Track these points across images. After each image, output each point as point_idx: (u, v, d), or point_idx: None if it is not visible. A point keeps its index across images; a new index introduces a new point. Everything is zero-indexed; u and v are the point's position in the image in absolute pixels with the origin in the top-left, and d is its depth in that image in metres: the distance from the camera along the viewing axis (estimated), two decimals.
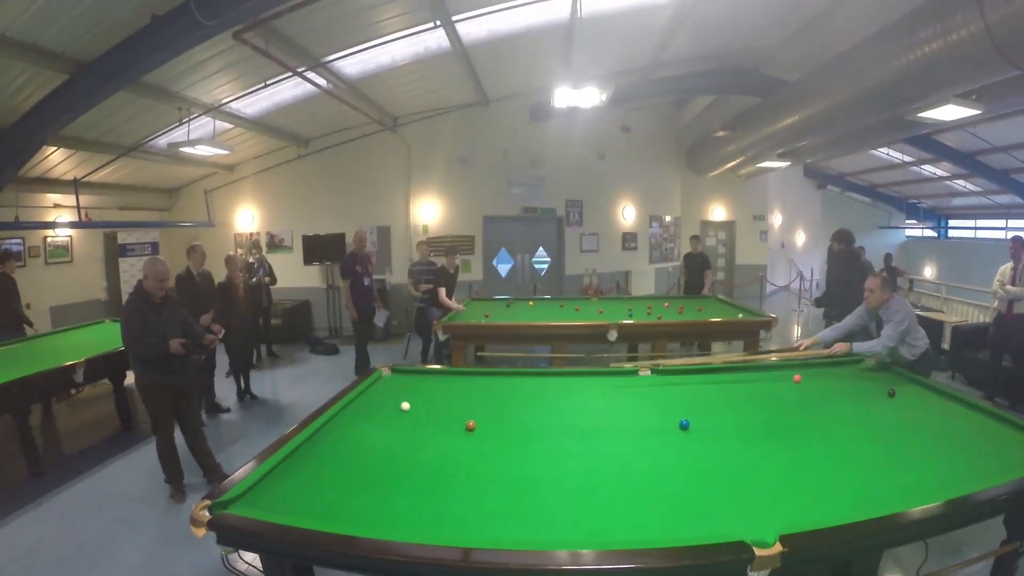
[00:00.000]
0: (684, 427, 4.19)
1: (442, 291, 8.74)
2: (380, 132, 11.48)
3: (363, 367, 8.35)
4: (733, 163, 14.23)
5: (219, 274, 7.47)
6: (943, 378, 5.95)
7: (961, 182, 17.30)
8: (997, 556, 3.79)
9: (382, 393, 4.78)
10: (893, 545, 3.45)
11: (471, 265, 12.45)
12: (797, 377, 5.38)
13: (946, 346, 9.32)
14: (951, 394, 4.86)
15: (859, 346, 5.43)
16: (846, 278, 7.19)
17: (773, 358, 5.82)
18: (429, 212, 12.23)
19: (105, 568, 4.01)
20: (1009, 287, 7.47)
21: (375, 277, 9.73)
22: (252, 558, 3.00)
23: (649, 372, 5.61)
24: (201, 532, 2.65)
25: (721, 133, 12.79)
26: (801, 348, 5.72)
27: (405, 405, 4.27)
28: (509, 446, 3.84)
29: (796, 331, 12.78)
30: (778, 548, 2.61)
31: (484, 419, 4.20)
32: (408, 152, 11.89)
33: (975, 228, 19.81)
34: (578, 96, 7.59)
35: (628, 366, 5.76)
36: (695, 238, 12.10)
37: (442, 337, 7.56)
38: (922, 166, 16.75)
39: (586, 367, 5.98)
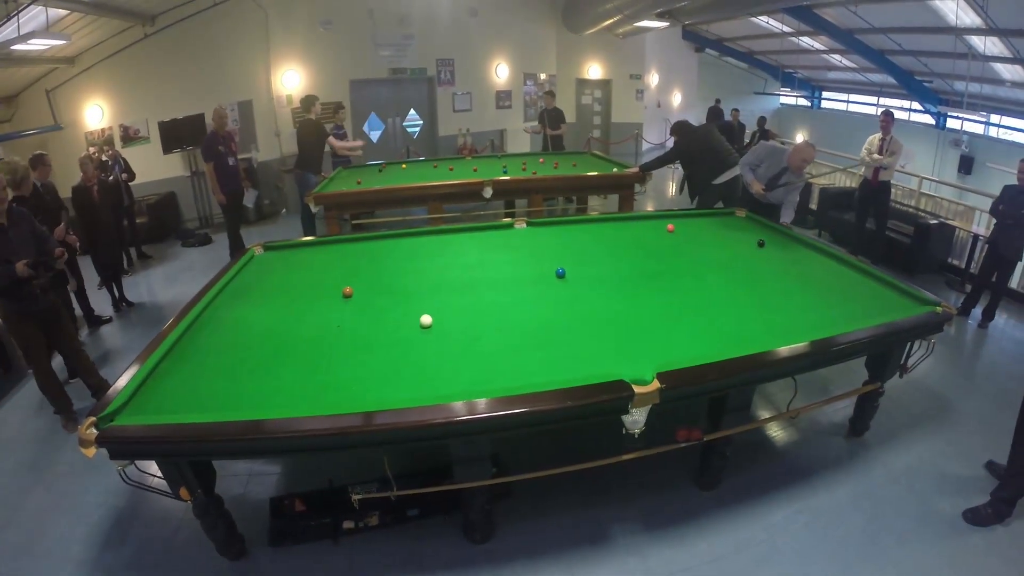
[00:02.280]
0: (560, 275, 4.39)
1: (333, 141, 8.66)
2: None
3: (237, 252, 7.89)
4: (610, 21, 14.09)
5: (75, 180, 6.80)
6: (810, 235, 6.28)
7: (837, 57, 17.82)
8: (859, 395, 4.14)
9: (256, 272, 4.69)
10: (763, 380, 3.74)
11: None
12: (670, 227, 5.71)
13: (814, 207, 9.85)
14: (818, 247, 5.20)
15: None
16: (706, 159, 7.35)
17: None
18: (292, 81, 11.58)
19: (19, 518, 3.78)
20: (876, 155, 8.08)
21: (241, 156, 9.25)
22: (153, 466, 2.94)
23: (524, 224, 5.57)
24: (91, 452, 2.55)
25: None
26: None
27: (348, 290, 4.14)
28: (389, 308, 3.91)
29: (671, 187, 13.20)
30: (656, 385, 2.83)
31: (362, 285, 4.25)
32: (265, 18, 11.05)
33: (847, 102, 20.56)
34: None
35: (504, 220, 5.71)
36: (549, 93, 12.34)
37: (314, 209, 7.27)
38: (800, 37, 17.08)
39: (463, 224, 5.87)
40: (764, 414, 4.57)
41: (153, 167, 10.17)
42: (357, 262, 4.87)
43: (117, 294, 7.16)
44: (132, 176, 8.96)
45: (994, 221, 6.59)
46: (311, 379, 3.01)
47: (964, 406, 4.83)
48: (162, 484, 2.94)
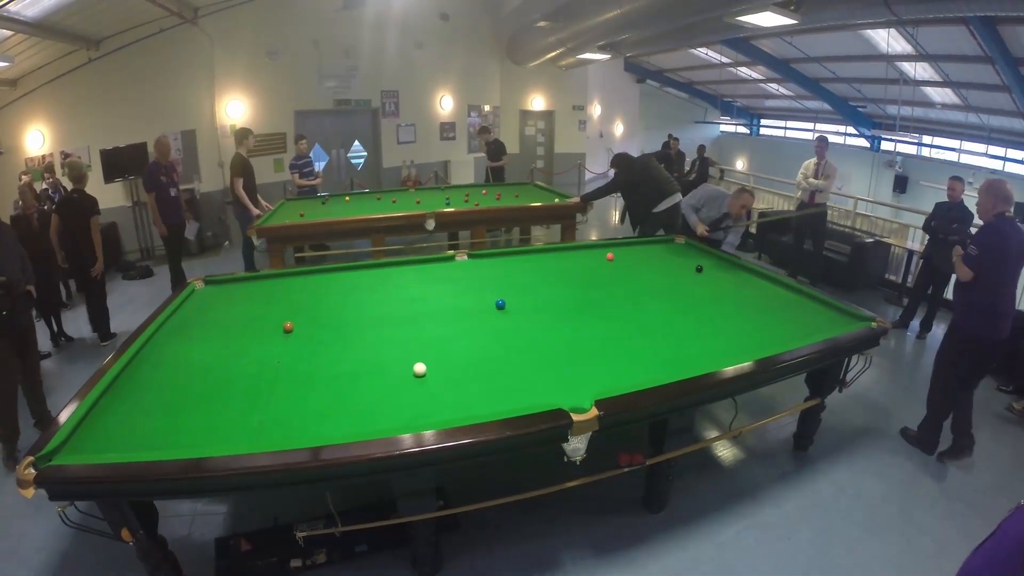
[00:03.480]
0: (500, 307, 4.37)
1: (238, 182, 8.21)
2: (180, 26, 10.41)
3: (178, 285, 7.72)
4: (554, 54, 14.28)
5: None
6: (749, 258, 6.45)
7: (775, 86, 18.39)
8: (801, 411, 4.20)
9: (197, 307, 4.59)
10: (702, 403, 3.77)
11: (283, 164, 11.78)
12: (610, 255, 5.76)
13: (753, 230, 10.02)
14: (757, 270, 5.29)
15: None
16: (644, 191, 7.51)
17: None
18: (237, 111, 11.45)
19: None
20: (812, 179, 8.34)
21: (183, 187, 9.10)
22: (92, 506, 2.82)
23: (466, 257, 5.60)
24: (30, 492, 2.43)
25: (543, 23, 12.76)
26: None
27: (288, 325, 4.06)
28: (329, 342, 3.86)
29: (614, 216, 13.30)
30: (594, 412, 2.84)
31: (304, 319, 4.19)
32: (211, 46, 10.94)
33: (785, 128, 21.17)
34: None
35: (445, 253, 5.73)
36: (483, 129, 12.61)
37: (256, 242, 7.13)
38: (739, 68, 17.61)
39: (404, 257, 5.86)
40: (708, 434, 4.60)
41: (94, 195, 9.90)
42: (299, 296, 4.80)
43: (56, 328, 6.91)
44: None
45: (927, 237, 6.84)
46: (252, 415, 2.95)
47: (905, 415, 4.93)
48: (102, 525, 2.83)
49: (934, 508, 3.87)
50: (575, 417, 2.76)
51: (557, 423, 2.75)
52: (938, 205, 6.72)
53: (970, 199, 5.33)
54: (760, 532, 3.63)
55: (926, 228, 6.89)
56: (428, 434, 2.64)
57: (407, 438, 2.61)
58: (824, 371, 4.02)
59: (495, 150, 12.01)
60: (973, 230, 6.02)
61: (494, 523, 3.61)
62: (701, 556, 3.44)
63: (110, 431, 2.81)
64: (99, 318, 6.95)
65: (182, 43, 10.50)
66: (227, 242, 11.21)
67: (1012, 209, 4.20)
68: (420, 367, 3.30)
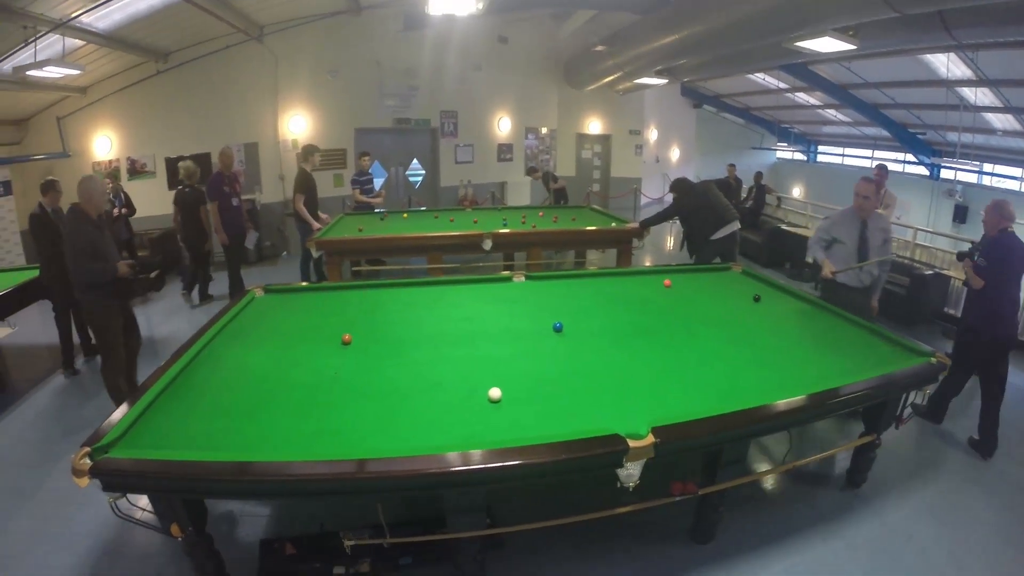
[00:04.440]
0: (557, 329, 4.39)
1: (300, 198, 8.48)
2: (245, 43, 10.81)
3: (236, 292, 7.98)
4: (610, 78, 14.36)
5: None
6: (808, 288, 6.39)
7: (832, 111, 18.14)
8: (856, 447, 4.15)
9: (256, 314, 4.72)
10: (756, 435, 3.73)
11: (343, 179, 12.07)
12: (667, 282, 5.73)
13: (811, 259, 9.86)
14: (813, 301, 5.22)
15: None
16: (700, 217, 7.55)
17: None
18: (299, 126, 11.80)
19: (1, 542, 3.76)
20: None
21: (244, 197, 9.45)
22: (144, 501, 2.88)
23: (524, 278, 5.64)
24: (84, 481, 2.53)
25: (600, 48, 12.88)
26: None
27: (347, 337, 4.16)
28: (386, 357, 3.91)
29: (669, 241, 13.32)
30: (651, 439, 2.83)
31: (360, 332, 4.25)
32: (275, 64, 11.32)
33: (843, 155, 20.85)
34: (453, 3, 7.52)
35: (502, 274, 5.81)
36: (532, 169, 12.78)
37: (315, 254, 7.34)
38: (796, 93, 17.45)
39: (462, 276, 5.95)
40: (761, 467, 4.56)
41: (158, 202, 10.23)
42: (355, 309, 4.89)
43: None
44: (132, 210, 9.09)
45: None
46: (306, 424, 3.01)
47: (959, 455, 4.84)
48: (151, 519, 2.94)
49: (986, 553, 3.76)
50: (631, 443, 2.76)
51: (613, 448, 2.75)
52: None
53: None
54: (806, 570, 3.58)
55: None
56: (482, 453, 2.67)
57: (459, 456, 2.64)
58: (880, 407, 3.96)
59: (547, 179, 12.13)
60: None
61: (540, 546, 3.62)
62: None
63: (166, 429, 2.92)
64: (205, 284, 8.33)
65: (247, 59, 10.90)
66: (285, 252, 11.51)
67: (1012, 225, 4.93)
68: (496, 392, 3.29)
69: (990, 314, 4.84)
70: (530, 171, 12.76)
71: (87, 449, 2.59)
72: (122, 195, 9.04)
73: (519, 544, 3.58)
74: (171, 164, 10.40)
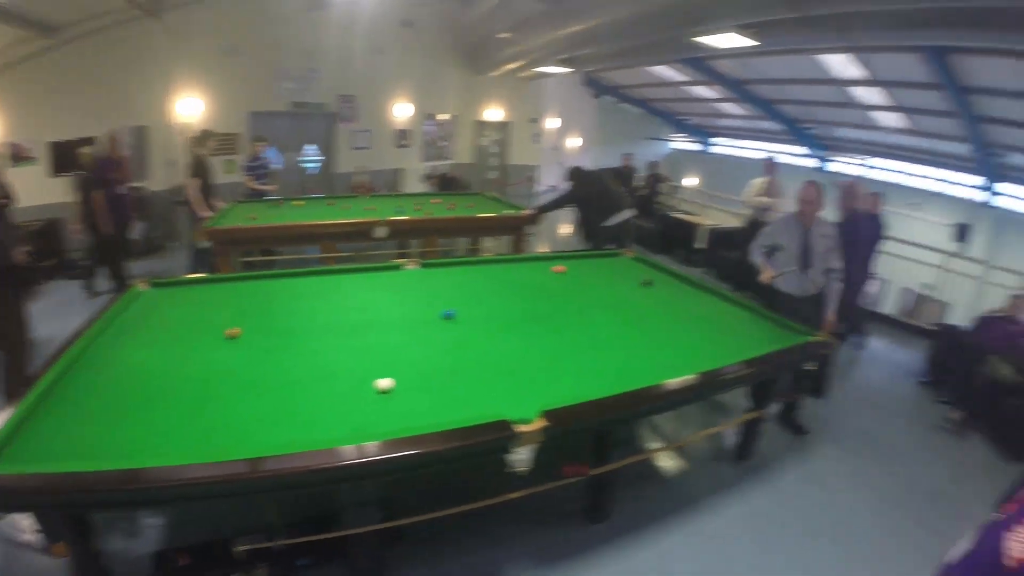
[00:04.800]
0: (449, 317, 4.37)
1: (194, 183, 8.13)
2: (140, 19, 10.13)
3: (121, 286, 7.55)
4: (514, 65, 14.44)
5: None
6: (697, 273, 6.58)
7: (729, 105, 18.63)
8: (744, 422, 4.30)
9: (141, 310, 4.45)
10: (647, 415, 3.78)
11: (235, 166, 11.52)
12: (560, 267, 5.85)
13: (701, 246, 10.22)
14: (704, 285, 5.39)
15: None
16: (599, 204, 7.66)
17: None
18: (192, 109, 11.18)
19: None
20: (761, 198, 8.76)
21: (133, 185, 8.93)
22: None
23: (417, 266, 5.60)
24: None
25: (505, 34, 12.82)
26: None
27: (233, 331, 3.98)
28: (277, 350, 3.80)
29: (565, 229, 13.37)
30: (540, 423, 2.81)
31: (250, 325, 4.11)
32: (170, 41, 10.67)
33: (737, 147, 21.48)
34: None
35: (395, 262, 5.73)
36: (429, 176, 13.29)
37: (204, 244, 6.98)
38: (694, 87, 17.84)
39: (356, 264, 5.84)
40: (653, 445, 4.65)
41: (39, 191, 9.38)
42: (247, 301, 4.70)
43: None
44: (10, 199, 8.40)
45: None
46: (196, 423, 2.87)
47: (843, 423, 5.15)
48: (35, 539, 2.78)
49: (871, 516, 3.97)
50: (520, 428, 2.76)
51: (501, 434, 2.75)
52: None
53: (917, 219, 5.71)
54: (701, 541, 3.68)
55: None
56: (375, 445, 2.61)
57: (351, 449, 2.58)
58: (767, 384, 4.11)
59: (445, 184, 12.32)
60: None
61: (438, 536, 3.58)
62: (642, 565, 3.47)
63: (49, 439, 2.69)
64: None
65: (140, 36, 10.20)
66: (175, 243, 10.96)
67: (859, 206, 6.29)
68: (385, 382, 3.24)
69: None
70: (427, 178, 12.88)
71: None
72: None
73: (418, 537, 3.52)
74: (58, 149, 9.71)
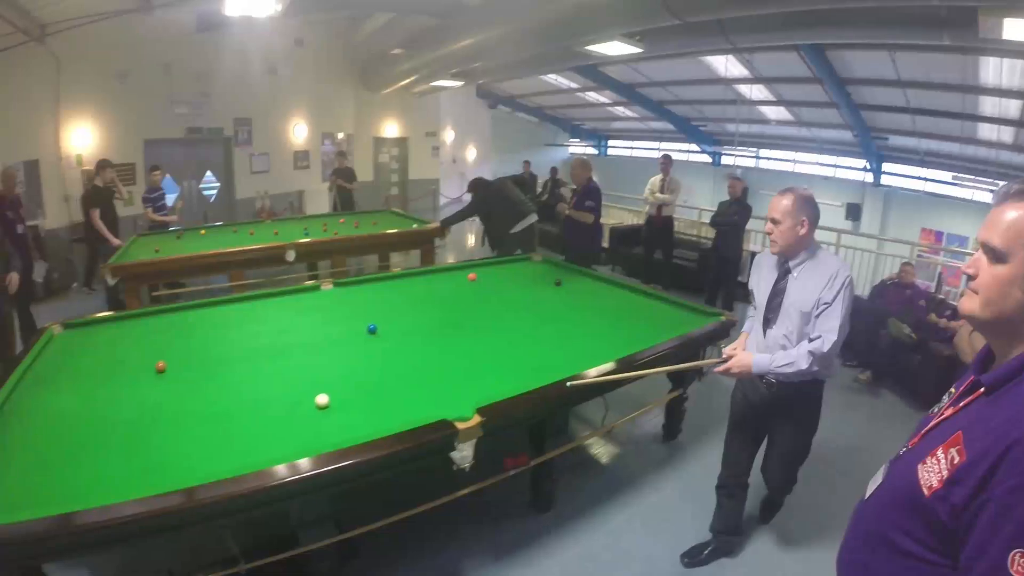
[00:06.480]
0: (372, 331, 4.42)
1: (94, 213, 8.12)
2: (24, 44, 9.52)
3: (30, 332, 7.16)
4: (407, 81, 14.44)
5: None
6: (604, 271, 6.87)
7: (621, 109, 19.28)
8: (667, 403, 4.53)
9: (58, 354, 4.27)
10: (575, 403, 3.92)
11: (135, 198, 10.83)
12: (472, 275, 5.95)
13: (605, 244, 10.56)
14: (612, 280, 5.74)
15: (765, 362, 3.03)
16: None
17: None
18: (83, 139, 10.68)
19: None
20: (658, 194, 9.17)
21: (28, 223, 8.30)
22: None
23: (332, 286, 5.63)
24: None
25: (397, 51, 12.93)
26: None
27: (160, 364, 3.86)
28: (205, 380, 3.73)
29: (471, 239, 13.49)
30: (477, 419, 2.95)
31: (173, 358, 4.00)
32: (58, 68, 10.11)
33: (632, 148, 22.21)
34: (253, 5, 7.39)
35: (309, 283, 5.76)
36: (341, 154, 13.26)
37: (111, 281, 6.76)
38: (587, 93, 18.40)
39: (270, 289, 5.82)
40: (585, 432, 4.77)
41: None
42: (165, 336, 4.57)
43: None
44: None
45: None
46: (133, 462, 2.79)
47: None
48: None
49: (803, 473, 4.11)
50: (459, 425, 2.87)
51: (444, 432, 2.85)
52: (721, 203, 8.13)
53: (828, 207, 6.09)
54: (646, 516, 3.89)
55: (712, 223, 8.28)
56: (320, 457, 2.63)
57: (305, 462, 2.60)
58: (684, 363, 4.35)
59: (347, 175, 12.38)
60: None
61: (394, 545, 3.64)
62: (595, 547, 3.63)
63: None
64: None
65: (25, 62, 9.54)
66: (75, 283, 10.47)
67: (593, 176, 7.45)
68: (323, 398, 3.26)
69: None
70: (340, 155, 13.13)
71: None
72: None
73: (374, 550, 3.58)
74: None
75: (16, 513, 2.36)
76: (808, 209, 2.99)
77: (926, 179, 14.39)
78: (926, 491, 1.32)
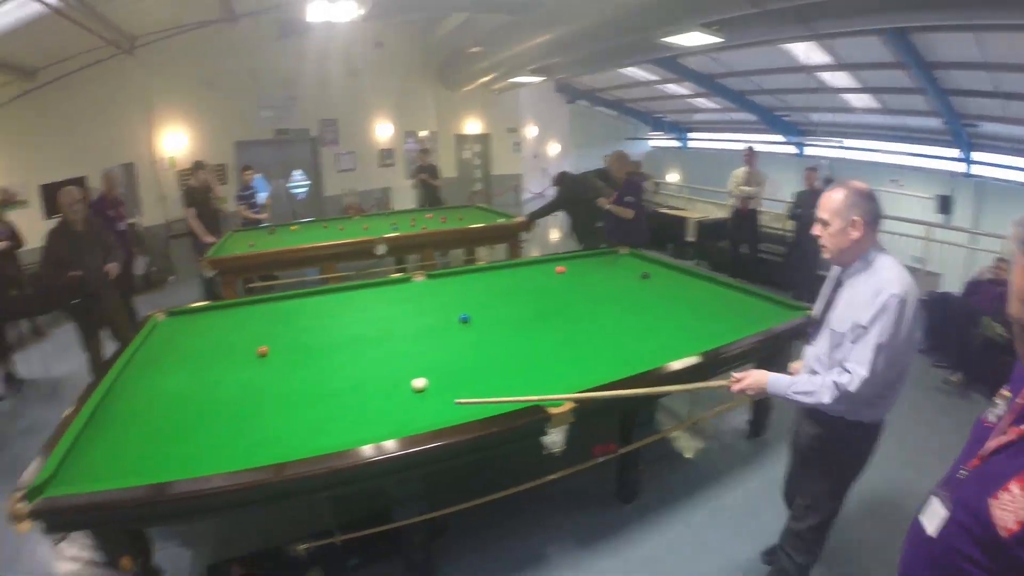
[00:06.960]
0: (464, 321, 4.57)
1: (191, 212, 8.42)
2: (116, 56, 10.19)
3: (134, 320, 7.63)
4: (486, 79, 14.63)
5: None
6: (689, 265, 6.90)
7: (702, 100, 18.96)
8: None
9: (162, 339, 4.58)
10: (663, 394, 3.96)
11: (228, 197, 11.43)
12: (561, 268, 6.02)
13: (691, 239, 10.50)
14: (698, 274, 5.72)
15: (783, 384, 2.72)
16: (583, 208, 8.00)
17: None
18: (176, 143, 11.39)
19: None
20: (743, 187, 9.02)
21: (127, 221, 8.86)
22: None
23: (424, 277, 5.78)
24: (26, 527, 2.39)
25: (475, 49, 13.06)
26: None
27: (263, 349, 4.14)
28: (305, 365, 3.95)
29: (556, 233, 13.63)
30: (569, 405, 2.97)
31: (276, 344, 4.26)
32: (148, 77, 10.85)
33: (713, 140, 21.80)
34: (334, 10, 7.58)
35: (401, 275, 5.97)
36: (424, 151, 13.25)
37: (209, 274, 7.19)
38: (666, 85, 18.15)
39: (364, 280, 6.09)
40: (671, 424, 4.84)
41: (33, 234, 9.54)
42: (264, 323, 4.87)
43: (4, 372, 6.63)
44: (19, 243, 8.42)
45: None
46: (240, 439, 2.98)
47: None
48: (97, 557, 2.88)
49: (887, 478, 4.05)
50: (552, 411, 2.98)
51: (537, 417, 2.97)
52: (800, 194, 8.06)
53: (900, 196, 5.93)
54: (729, 512, 3.93)
55: (792, 216, 8.17)
56: (418, 436, 2.80)
57: (399, 442, 2.76)
58: (771, 358, 4.34)
59: (432, 171, 12.47)
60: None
61: (482, 525, 3.78)
62: (677, 539, 3.70)
63: (99, 461, 2.80)
64: None
65: (119, 74, 10.34)
66: (172, 276, 11.10)
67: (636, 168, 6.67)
68: (420, 382, 3.41)
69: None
70: (423, 152, 13.15)
71: (20, 492, 2.44)
72: (11, 227, 8.38)
73: (462, 528, 3.72)
74: (48, 191, 9.77)
75: (126, 480, 2.60)
76: (863, 205, 2.47)
77: (1021, 169, 13.69)
78: (1003, 533, 1.23)
